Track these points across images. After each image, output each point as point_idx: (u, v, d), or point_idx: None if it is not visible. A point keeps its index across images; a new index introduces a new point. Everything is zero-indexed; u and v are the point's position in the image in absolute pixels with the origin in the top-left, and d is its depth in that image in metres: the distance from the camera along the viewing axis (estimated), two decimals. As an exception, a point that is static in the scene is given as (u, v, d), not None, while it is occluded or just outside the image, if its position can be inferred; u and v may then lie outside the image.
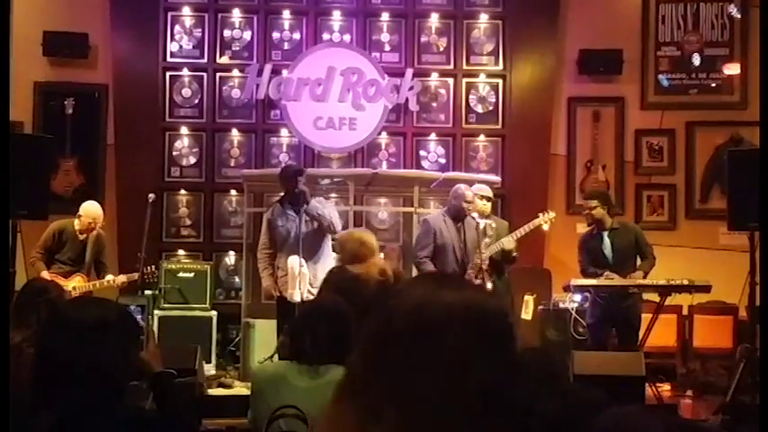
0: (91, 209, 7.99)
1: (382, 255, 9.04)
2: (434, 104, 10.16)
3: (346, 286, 5.22)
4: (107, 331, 2.44)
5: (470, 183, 8.05)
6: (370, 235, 6.60)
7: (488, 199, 7.78)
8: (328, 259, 7.22)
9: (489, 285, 7.00)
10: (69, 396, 2.37)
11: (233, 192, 9.91)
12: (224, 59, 10.05)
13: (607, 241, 7.75)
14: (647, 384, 7.05)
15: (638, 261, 7.77)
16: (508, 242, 7.54)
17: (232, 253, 9.84)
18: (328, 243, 7.38)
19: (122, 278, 7.98)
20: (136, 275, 7.83)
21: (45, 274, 7.52)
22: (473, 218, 7.32)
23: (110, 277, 7.93)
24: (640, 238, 7.86)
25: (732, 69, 10.07)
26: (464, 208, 7.36)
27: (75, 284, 7.74)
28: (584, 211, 7.95)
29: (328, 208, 7.44)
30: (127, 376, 2.50)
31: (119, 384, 2.43)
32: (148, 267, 7.86)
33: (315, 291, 6.94)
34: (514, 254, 7.62)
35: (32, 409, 2.42)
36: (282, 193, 7.56)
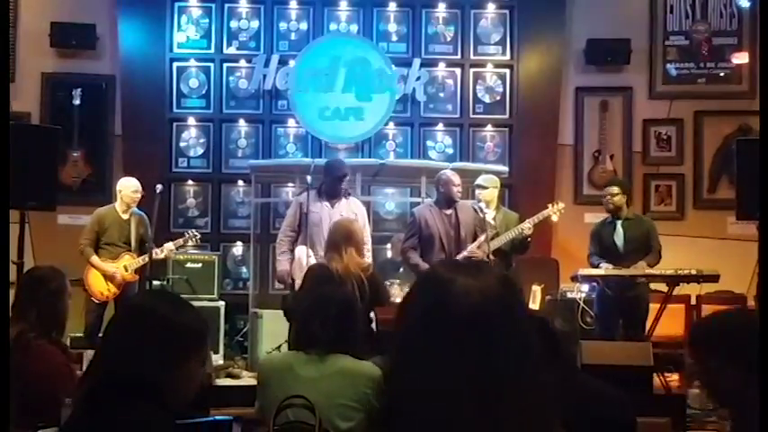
0: (128, 182, 8.12)
1: (389, 245, 9.11)
2: (441, 94, 10.16)
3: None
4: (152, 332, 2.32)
5: (478, 173, 8.05)
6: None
7: (483, 188, 7.71)
8: None
9: None
10: (94, 387, 2.34)
11: (240, 182, 9.92)
12: (232, 49, 10.07)
13: (620, 230, 7.76)
14: (654, 374, 7.04)
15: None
16: (528, 228, 7.50)
17: (240, 243, 9.86)
18: None
19: (169, 246, 8.13)
20: (182, 240, 8.20)
21: (95, 259, 7.85)
22: (480, 208, 7.29)
23: (156, 251, 8.01)
24: (653, 232, 7.86)
25: (741, 59, 10.03)
26: (454, 192, 7.30)
27: (125, 263, 7.93)
28: (603, 197, 7.91)
29: (362, 212, 7.47)
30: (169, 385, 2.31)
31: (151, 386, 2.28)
32: (190, 231, 8.34)
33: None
34: (530, 239, 7.59)
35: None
36: (321, 183, 7.50)
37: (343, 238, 6.17)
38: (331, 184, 7.34)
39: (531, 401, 1.35)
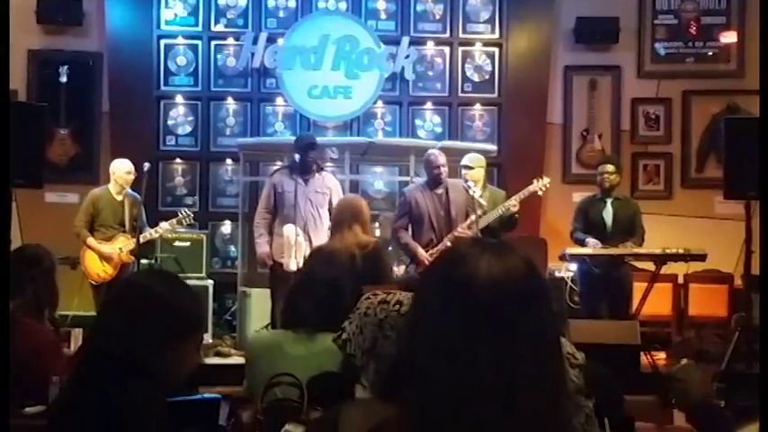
0: (122, 164, 8.08)
1: (377, 224, 9.10)
2: (430, 73, 10.12)
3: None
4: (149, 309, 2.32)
5: (466, 152, 8.04)
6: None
7: (469, 168, 7.72)
8: (325, 229, 7.22)
9: None
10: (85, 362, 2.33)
11: (228, 161, 9.88)
12: (220, 26, 10.01)
13: (610, 208, 7.79)
14: (642, 353, 7.08)
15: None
16: (514, 205, 7.51)
17: (228, 222, 9.84)
18: (326, 213, 7.35)
19: (165, 225, 8.11)
20: (175, 220, 8.14)
21: (91, 240, 7.87)
22: (469, 187, 7.29)
23: (150, 231, 8.04)
24: (638, 216, 7.89)
25: (729, 38, 10.03)
26: (436, 174, 7.28)
27: (120, 245, 7.92)
28: (599, 175, 7.92)
29: (336, 187, 7.47)
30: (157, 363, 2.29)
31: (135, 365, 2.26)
32: (183, 210, 8.26)
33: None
34: (517, 216, 7.61)
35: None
36: (293, 160, 7.51)
37: (351, 215, 6.15)
38: (301, 158, 7.33)
39: (552, 386, 1.31)
